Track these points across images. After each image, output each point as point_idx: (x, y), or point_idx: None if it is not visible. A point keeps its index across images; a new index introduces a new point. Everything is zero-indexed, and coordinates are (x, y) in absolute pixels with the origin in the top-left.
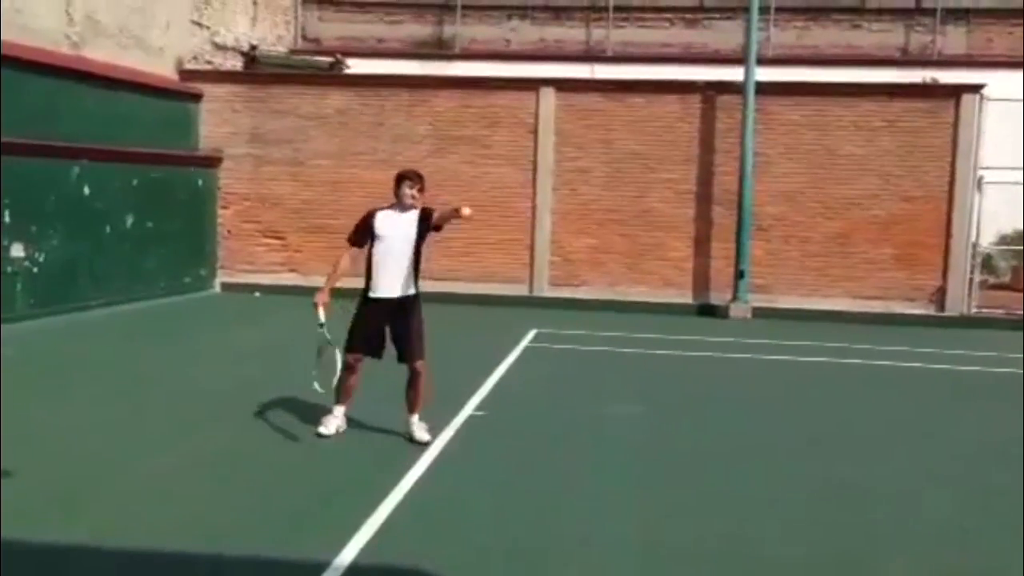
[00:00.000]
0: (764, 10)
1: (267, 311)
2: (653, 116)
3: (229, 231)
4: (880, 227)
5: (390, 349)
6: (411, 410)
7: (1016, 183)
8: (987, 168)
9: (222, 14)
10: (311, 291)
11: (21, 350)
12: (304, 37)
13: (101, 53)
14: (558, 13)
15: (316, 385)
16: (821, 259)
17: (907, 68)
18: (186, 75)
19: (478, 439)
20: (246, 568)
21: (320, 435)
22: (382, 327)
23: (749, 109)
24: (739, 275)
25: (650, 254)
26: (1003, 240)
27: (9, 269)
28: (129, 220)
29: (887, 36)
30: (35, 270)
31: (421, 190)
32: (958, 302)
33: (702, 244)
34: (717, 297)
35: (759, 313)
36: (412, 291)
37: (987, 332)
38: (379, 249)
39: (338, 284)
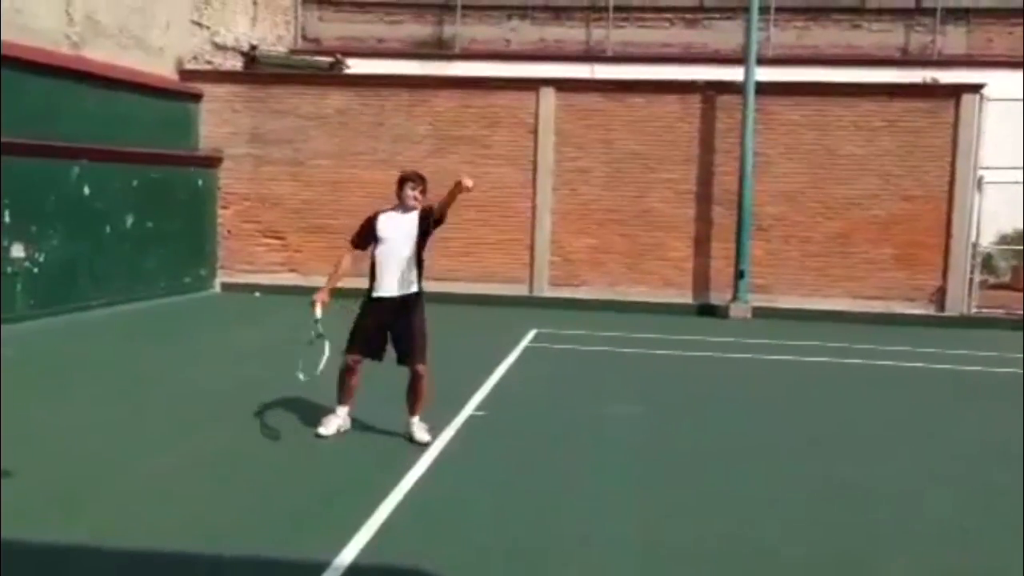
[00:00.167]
0: (764, 10)
1: (267, 311)
2: (653, 116)
3: (229, 231)
4: (880, 227)
5: (390, 351)
6: (412, 412)
7: (1016, 183)
8: (987, 168)
9: (222, 14)
10: (311, 291)
11: (21, 350)
12: (304, 37)
13: (101, 53)
14: (558, 13)
15: (300, 375)
16: (821, 259)
17: (907, 68)
18: (186, 75)
19: (478, 439)
20: (246, 568)
21: (320, 435)
22: (384, 328)
23: (749, 109)
24: (739, 275)
25: (650, 254)
26: (1003, 240)
27: (9, 269)
28: (129, 220)
29: (887, 36)
30: (35, 270)
31: (423, 191)
32: (958, 302)
33: (702, 244)
34: (717, 297)
35: (759, 313)
36: (414, 288)
37: (987, 332)
38: (381, 250)
39: (339, 285)
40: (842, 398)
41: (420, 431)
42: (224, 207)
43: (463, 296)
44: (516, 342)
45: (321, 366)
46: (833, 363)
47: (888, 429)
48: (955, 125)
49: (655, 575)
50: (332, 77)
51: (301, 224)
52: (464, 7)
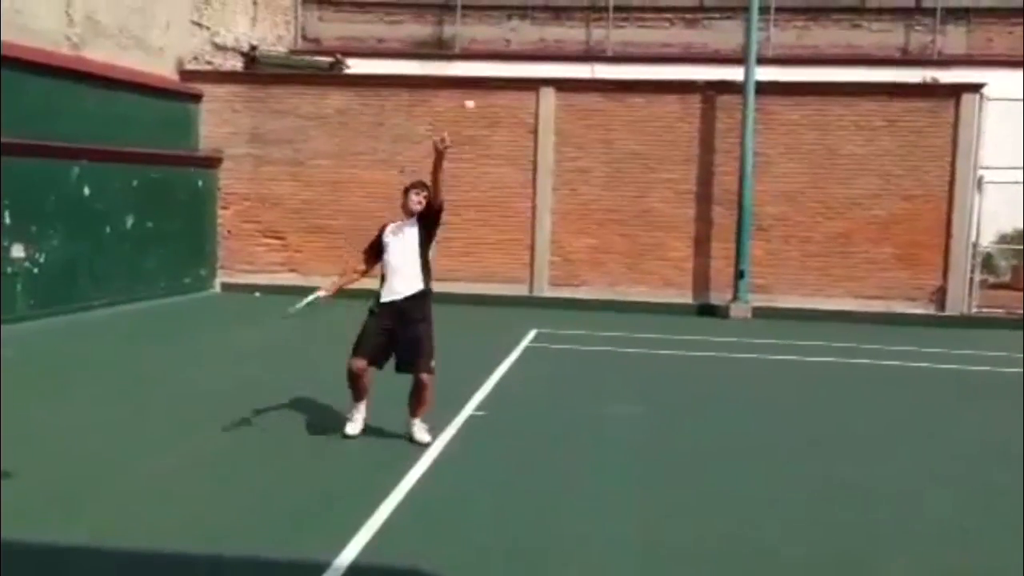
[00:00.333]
0: (764, 10)
1: (267, 311)
2: (653, 116)
3: (229, 231)
4: (880, 227)
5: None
6: (413, 414)
7: (1016, 183)
8: (987, 168)
9: (222, 14)
10: (311, 291)
11: (21, 351)
12: (304, 37)
13: (101, 53)
14: (558, 13)
15: (289, 309)
16: (821, 259)
17: (907, 68)
18: (186, 75)
19: (478, 439)
20: (246, 568)
21: (347, 436)
22: (390, 333)
23: (749, 109)
24: (739, 275)
25: (650, 254)
26: (1003, 239)
27: (9, 270)
28: (129, 220)
29: (887, 36)
30: (35, 271)
31: (427, 197)
32: (958, 301)
33: (702, 244)
34: (717, 297)
35: (759, 313)
36: (420, 287)
37: (988, 331)
38: (388, 258)
39: (347, 287)
40: (842, 398)
41: (420, 431)
42: (224, 207)
43: (463, 296)
44: (516, 342)
45: (301, 305)
46: (833, 363)
47: (888, 429)
48: (955, 125)
49: (655, 575)
50: (332, 77)
51: (301, 224)
52: (464, 7)
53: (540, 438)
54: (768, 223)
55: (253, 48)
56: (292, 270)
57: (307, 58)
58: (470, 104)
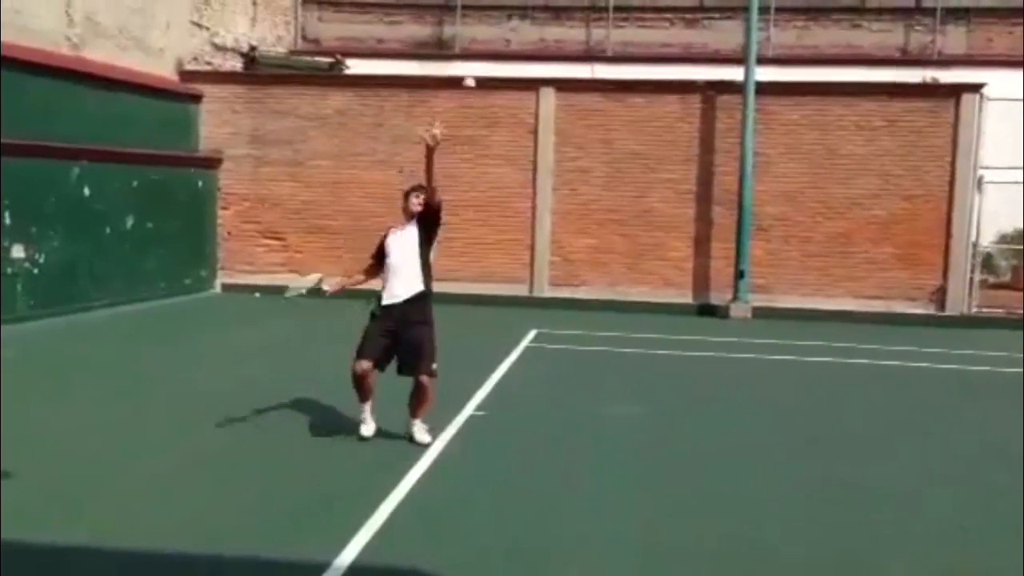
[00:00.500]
0: (764, 10)
1: (267, 312)
2: (653, 116)
3: (229, 232)
4: (880, 227)
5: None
6: (413, 415)
7: (1016, 183)
8: (987, 168)
9: (222, 15)
10: (311, 291)
11: (21, 351)
12: (304, 37)
13: (101, 54)
14: (558, 13)
15: (290, 285)
16: (821, 259)
17: (907, 68)
18: (186, 76)
19: (478, 439)
20: (246, 568)
21: (363, 438)
22: (392, 335)
23: (749, 109)
24: (739, 275)
25: (650, 254)
26: (1003, 239)
27: (9, 270)
28: (129, 221)
29: (887, 36)
30: (35, 271)
31: (427, 199)
32: (958, 301)
33: (702, 244)
34: (717, 297)
35: (759, 313)
36: (419, 288)
37: (988, 332)
38: (389, 262)
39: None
40: (842, 398)
41: (420, 432)
42: (224, 208)
43: (463, 296)
44: (516, 342)
45: (302, 286)
46: (834, 363)
47: (888, 429)
48: (955, 125)
49: (655, 575)
50: (332, 78)
51: (301, 225)
52: (464, 7)
53: (540, 438)
54: (768, 223)
55: (253, 49)
56: (292, 271)
57: (307, 59)
58: (470, 82)
